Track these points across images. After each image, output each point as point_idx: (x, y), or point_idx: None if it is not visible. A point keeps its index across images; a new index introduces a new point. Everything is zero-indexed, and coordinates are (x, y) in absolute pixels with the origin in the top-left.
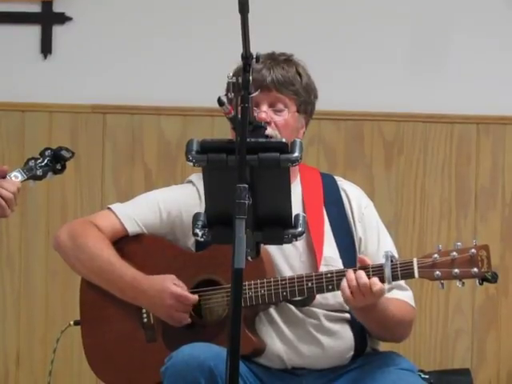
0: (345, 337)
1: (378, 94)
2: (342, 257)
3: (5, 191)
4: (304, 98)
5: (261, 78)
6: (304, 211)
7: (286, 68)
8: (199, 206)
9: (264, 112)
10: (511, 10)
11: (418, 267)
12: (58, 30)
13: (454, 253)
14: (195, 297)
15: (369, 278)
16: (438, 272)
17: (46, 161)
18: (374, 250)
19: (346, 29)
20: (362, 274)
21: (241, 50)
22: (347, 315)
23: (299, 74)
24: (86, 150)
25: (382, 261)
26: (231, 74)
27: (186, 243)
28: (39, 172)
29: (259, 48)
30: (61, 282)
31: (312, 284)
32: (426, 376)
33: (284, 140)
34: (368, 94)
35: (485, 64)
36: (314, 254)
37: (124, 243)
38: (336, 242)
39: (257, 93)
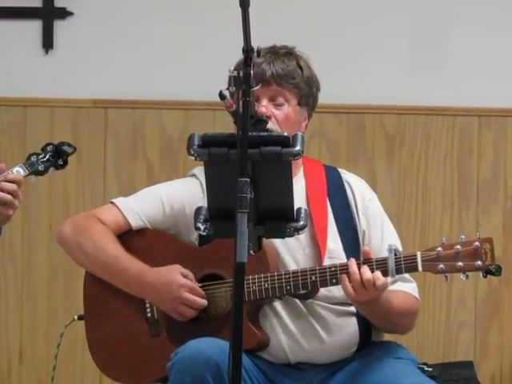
0: (349, 330)
1: (380, 87)
2: (345, 249)
3: (7, 184)
4: (305, 91)
5: (261, 71)
6: (307, 204)
7: (287, 61)
8: (202, 200)
9: (264, 106)
10: None
11: (422, 260)
12: (59, 25)
13: (458, 246)
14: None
15: (372, 272)
16: (441, 265)
17: (47, 156)
18: (377, 243)
19: (346, 22)
20: (366, 269)
21: (242, 44)
22: (352, 308)
23: (300, 67)
24: (88, 144)
25: (386, 254)
26: (232, 68)
27: (189, 237)
28: (41, 167)
29: (260, 41)
30: (63, 277)
31: (316, 278)
32: (430, 369)
33: (286, 134)
34: (369, 87)
35: (486, 56)
36: (317, 246)
37: (127, 237)
38: (340, 234)
39: (258, 87)
